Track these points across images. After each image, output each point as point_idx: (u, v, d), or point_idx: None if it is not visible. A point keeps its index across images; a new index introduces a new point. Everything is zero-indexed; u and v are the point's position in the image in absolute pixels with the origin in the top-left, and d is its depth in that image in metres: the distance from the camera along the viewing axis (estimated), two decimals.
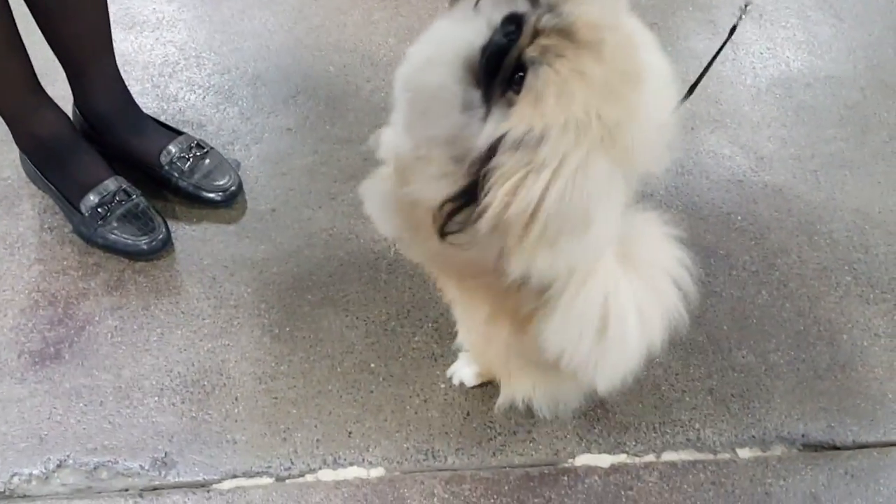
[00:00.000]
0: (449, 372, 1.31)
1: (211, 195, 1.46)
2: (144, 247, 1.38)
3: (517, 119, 0.69)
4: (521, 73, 0.69)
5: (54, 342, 1.30)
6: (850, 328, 1.41)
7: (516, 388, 1.17)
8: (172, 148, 1.46)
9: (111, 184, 1.39)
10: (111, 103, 1.46)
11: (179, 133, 1.50)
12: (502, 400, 1.21)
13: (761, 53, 1.87)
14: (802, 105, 1.77)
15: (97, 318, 1.33)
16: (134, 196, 1.41)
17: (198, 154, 1.47)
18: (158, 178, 1.47)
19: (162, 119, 1.55)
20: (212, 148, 1.50)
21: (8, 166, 1.50)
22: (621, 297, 0.90)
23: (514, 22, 0.71)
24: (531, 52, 0.69)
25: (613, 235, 0.81)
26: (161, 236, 1.39)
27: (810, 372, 1.35)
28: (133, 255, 1.39)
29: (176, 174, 1.46)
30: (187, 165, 1.46)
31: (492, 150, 0.69)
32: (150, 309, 1.35)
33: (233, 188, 1.47)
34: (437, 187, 0.77)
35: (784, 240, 1.52)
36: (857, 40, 1.94)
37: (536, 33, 0.69)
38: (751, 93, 1.78)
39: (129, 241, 1.37)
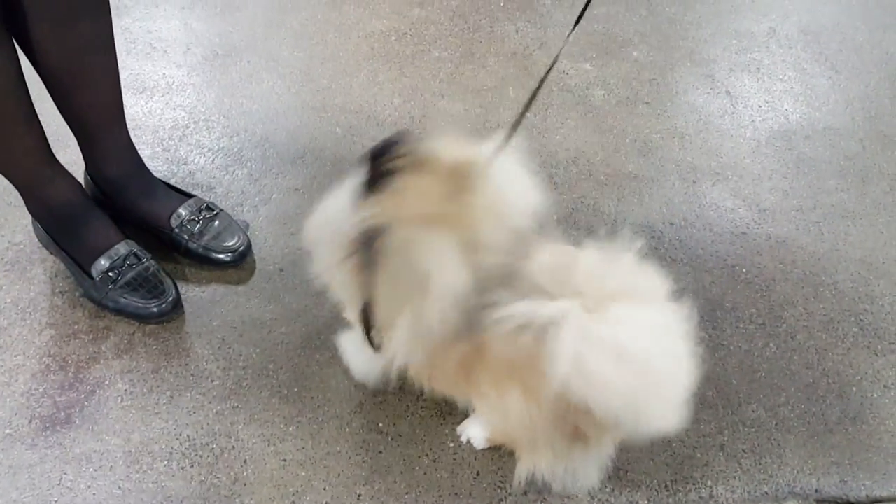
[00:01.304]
0: (459, 429, 1.30)
1: (220, 256, 1.49)
2: (155, 310, 1.39)
3: (376, 206, 0.95)
4: (386, 178, 0.95)
5: (65, 407, 1.31)
6: (859, 380, 1.41)
7: (538, 458, 1.14)
8: (183, 211, 1.49)
9: (122, 248, 1.42)
10: (123, 169, 1.49)
11: (189, 196, 1.53)
12: (522, 472, 1.17)
13: (760, 106, 1.90)
14: (802, 157, 1.79)
15: (107, 382, 1.34)
16: (144, 260, 1.43)
17: (207, 216, 1.50)
18: (169, 241, 1.50)
19: (172, 182, 1.58)
20: (221, 210, 1.53)
21: (20, 231, 1.53)
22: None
23: (389, 145, 0.98)
24: (394, 165, 0.95)
25: (457, 282, 0.95)
26: (171, 299, 1.40)
27: (821, 425, 1.35)
28: (143, 318, 1.40)
29: (186, 236, 1.48)
30: (197, 228, 1.49)
31: (359, 233, 0.95)
32: (159, 372, 1.36)
33: (242, 249, 1.50)
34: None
35: (789, 291, 1.53)
36: (853, 92, 1.97)
37: (402, 154, 0.95)
38: (751, 145, 1.81)
39: (140, 305, 1.39)
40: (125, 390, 1.33)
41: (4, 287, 1.45)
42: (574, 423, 0.96)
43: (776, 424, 1.34)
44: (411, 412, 1.33)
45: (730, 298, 1.51)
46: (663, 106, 1.88)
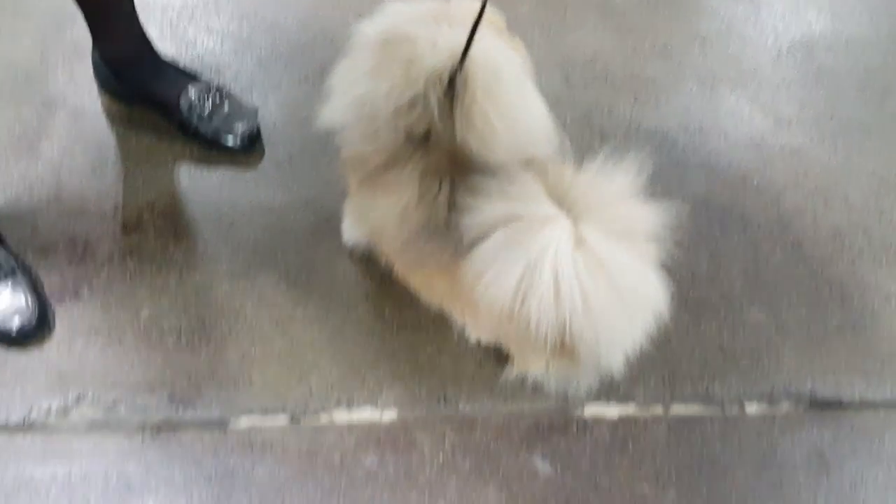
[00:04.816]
0: (468, 333, 1.31)
1: (230, 141, 1.47)
2: (14, 334, 1.24)
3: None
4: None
5: (74, 280, 1.32)
6: (861, 290, 1.42)
7: (530, 366, 1.17)
8: (192, 92, 1.46)
9: None
10: (131, 48, 1.46)
11: (198, 78, 1.50)
12: (513, 373, 1.20)
13: (784, 14, 1.85)
14: (823, 68, 1.76)
15: (116, 259, 1.35)
16: (9, 272, 1.26)
17: (217, 99, 1.48)
18: (178, 123, 1.48)
19: (180, 64, 1.54)
20: (231, 93, 1.50)
21: (27, 106, 1.51)
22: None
23: None
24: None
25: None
26: (28, 326, 1.24)
27: (821, 331, 1.37)
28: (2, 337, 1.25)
29: (195, 119, 1.46)
30: (206, 111, 1.46)
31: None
32: (168, 251, 1.36)
33: (252, 134, 1.48)
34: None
35: (800, 201, 1.52)
36: (880, 5, 1.92)
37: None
38: (772, 54, 1.76)
39: None
40: (133, 268, 1.34)
41: (11, 161, 1.44)
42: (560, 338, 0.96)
43: (776, 328, 1.36)
44: (416, 302, 1.33)
45: (740, 206, 1.50)
46: (686, 9, 1.83)
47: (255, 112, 1.52)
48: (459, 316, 1.19)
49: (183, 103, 1.46)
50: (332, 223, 1.41)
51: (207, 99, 1.47)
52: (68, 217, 1.38)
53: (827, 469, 1.23)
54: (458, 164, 0.97)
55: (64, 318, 1.28)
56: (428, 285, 1.14)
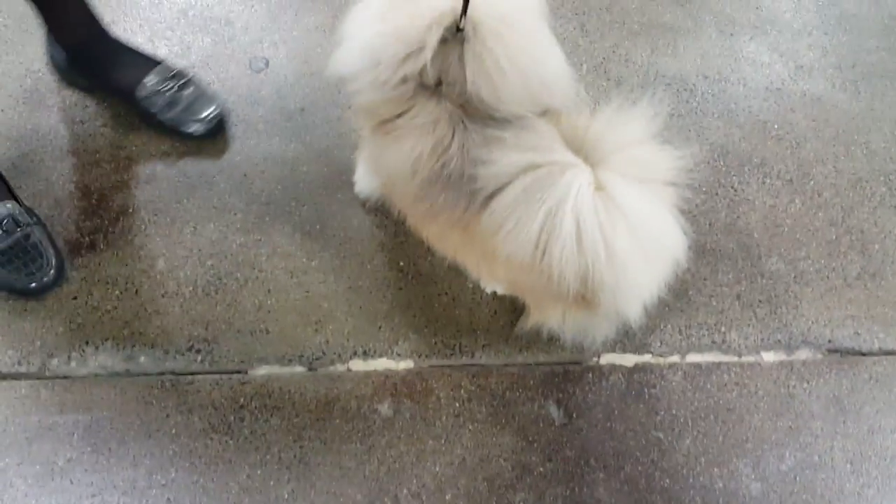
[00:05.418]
0: (483, 284, 1.31)
1: (192, 128, 1.40)
2: (33, 286, 1.24)
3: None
4: None
5: (89, 233, 1.32)
6: (882, 238, 1.40)
7: (546, 317, 1.16)
8: (149, 79, 1.40)
9: (0, 209, 1.27)
10: (82, 35, 1.39)
11: (157, 62, 1.43)
12: (528, 324, 1.20)
13: None
14: (845, 14, 1.71)
15: (130, 210, 1.35)
16: (24, 226, 1.27)
17: (177, 84, 1.41)
18: (138, 111, 1.42)
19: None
20: (192, 77, 1.44)
21: (38, 59, 1.49)
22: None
23: None
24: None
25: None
26: (52, 272, 1.25)
27: (840, 280, 1.35)
28: (18, 293, 1.26)
29: (156, 107, 1.40)
30: (167, 97, 1.40)
31: None
32: (182, 203, 1.36)
33: (217, 119, 1.41)
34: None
35: (820, 149, 1.49)
36: None
37: None
38: None
39: (14, 279, 1.24)
40: (148, 219, 1.34)
41: (24, 114, 1.43)
42: (580, 287, 0.95)
43: (795, 277, 1.35)
44: (431, 253, 1.34)
45: (759, 154, 1.48)
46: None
47: (265, 64, 1.50)
48: (474, 269, 1.18)
49: (140, 91, 1.39)
50: (345, 175, 1.40)
51: (167, 85, 1.40)
52: (82, 169, 1.38)
53: (844, 416, 1.23)
54: (471, 114, 0.95)
55: (81, 269, 1.29)
56: (441, 238, 1.13)
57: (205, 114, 1.41)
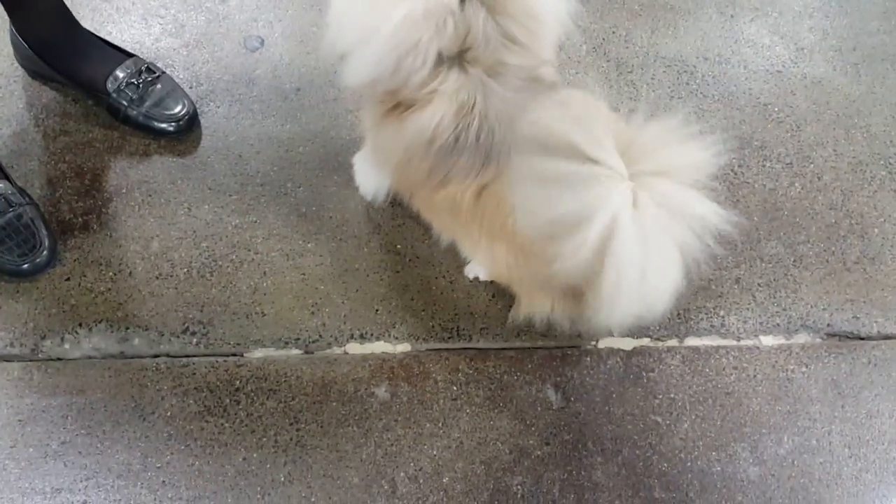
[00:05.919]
0: (466, 270, 1.29)
1: (163, 125, 1.37)
2: (25, 267, 1.23)
3: None
4: None
5: (82, 213, 1.30)
6: (882, 222, 1.39)
7: (535, 306, 1.15)
8: (119, 73, 1.36)
9: None
10: (50, 27, 1.35)
11: (129, 56, 1.40)
12: (519, 314, 1.18)
13: None
14: None
15: (124, 191, 1.33)
16: (17, 206, 1.25)
17: (147, 79, 1.37)
18: (107, 107, 1.38)
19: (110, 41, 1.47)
20: (163, 72, 1.40)
21: None
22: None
23: None
24: None
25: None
26: (45, 253, 1.24)
27: (839, 264, 1.35)
28: (11, 274, 1.24)
29: (125, 102, 1.36)
30: (137, 92, 1.36)
31: None
32: (176, 184, 1.34)
33: (187, 116, 1.37)
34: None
35: (820, 132, 1.48)
36: None
37: None
38: None
39: (6, 259, 1.23)
40: (142, 200, 1.32)
41: (16, 92, 1.41)
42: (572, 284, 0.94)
43: (794, 261, 1.34)
44: (429, 236, 1.32)
45: (759, 137, 1.47)
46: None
47: (261, 43, 1.48)
48: (472, 244, 1.17)
49: (110, 85, 1.35)
50: (341, 156, 1.38)
51: (137, 80, 1.36)
52: (75, 149, 1.36)
53: (843, 400, 1.23)
54: (501, 75, 0.95)
55: (74, 250, 1.27)
56: (449, 208, 1.10)
57: (175, 110, 1.37)
